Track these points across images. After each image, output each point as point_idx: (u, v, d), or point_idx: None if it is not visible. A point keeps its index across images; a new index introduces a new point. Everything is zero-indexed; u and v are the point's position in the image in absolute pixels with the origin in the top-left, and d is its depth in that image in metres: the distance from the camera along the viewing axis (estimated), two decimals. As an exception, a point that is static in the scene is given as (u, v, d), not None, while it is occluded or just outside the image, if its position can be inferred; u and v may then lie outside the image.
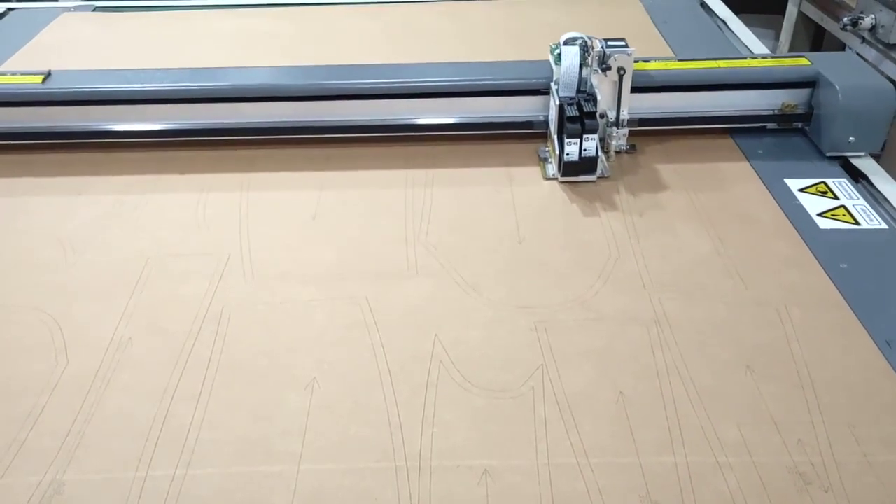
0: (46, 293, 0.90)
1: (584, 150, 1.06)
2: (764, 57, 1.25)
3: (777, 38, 2.41)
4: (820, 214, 1.00)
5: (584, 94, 1.09)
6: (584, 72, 1.09)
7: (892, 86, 1.12)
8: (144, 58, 1.42)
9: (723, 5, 1.64)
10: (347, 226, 1.01)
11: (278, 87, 1.17)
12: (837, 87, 1.10)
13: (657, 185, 1.08)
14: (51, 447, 0.71)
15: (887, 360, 0.79)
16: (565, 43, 1.09)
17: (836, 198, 1.03)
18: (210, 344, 0.83)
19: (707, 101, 1.17)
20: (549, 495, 0.67)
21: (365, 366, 0.80)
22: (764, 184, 1.07)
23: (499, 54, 1.25)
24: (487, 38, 1.51)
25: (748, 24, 1.56)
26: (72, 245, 0.98)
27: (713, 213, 1.02)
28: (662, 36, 1.49)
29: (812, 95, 1.16)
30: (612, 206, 1.04)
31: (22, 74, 1.17)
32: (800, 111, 1.18)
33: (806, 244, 0.96)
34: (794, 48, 2.30)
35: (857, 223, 0.99)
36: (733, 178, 1.09)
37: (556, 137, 1.10)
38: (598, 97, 1.07)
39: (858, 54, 1.78)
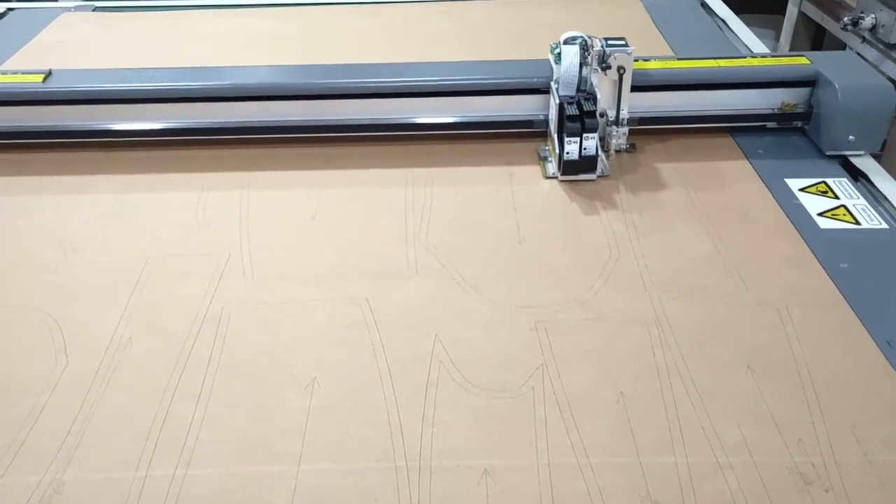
0: (46, 293, 0.90)
1: (584, 148, 1.06)
2: (764, 56, 1.25)
3: (777, 37, 2.41)
4: (820, 214, 1.00)
5: (584, 92, 1.09)
6: (584, 71, 1.09)
7: (891, 85, 1.12)
8: (144, 58, 1.42)
9: (723, 5, 1.64)
10: (347, 226, 1.01)
11: (278, 87, 1.17)
12: (837, 86, 1.10)
13: (657, 184, 1.08)
14: (51, 447, 0.71)
15: (888, 359, 0.79)
16: (565, 42, 1.09)
17: (837, 197, 1.03)
18: (210, 344, 0.82)
19: (707, 100, 1.17)
20: (549, 495, 0.67)
21: (365, 366, 0.80)
22: (764, 183, 1.07)
23: (499, 54, 1.25)
24: (487, 38, 1.51)
25: (748, 23, 1.56)
26: (72, 245, 0.98)
27: (713, 212, 1.02)
28: (663, 36, 1.49)
29: (812, 94, 1.16)
30: (612, 205, 1.04)
31: (23, 74, 1.17)
32: (799, 110, 1.18)
33: (806, 244, 0.95)
34: (795, 48, 2.30)
35: (857, 223, 0.99)
36: (733, 177, 1.09)
37: (556, 136, 1.09)
38: (598, 96, 1.07)
39: (859, 54, 1.78)
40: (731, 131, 1.20)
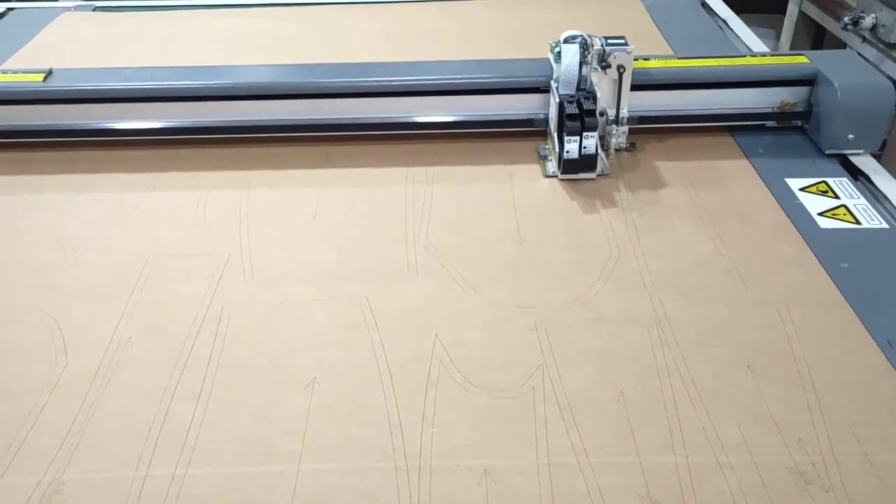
0: (46, 293, 0.90)
1: (584, 147, 1.06)
2: (763, 55, 1.25)
3: (778, 37, 2.41)
4: (821, 214, 1.00)
5: (584, 91, 1.09)
6: (584, 70, 1.09)
7: (891, 84, 1.12)
8: (144, 57, 1.42)
9: (723, 5, 1.64)
10: (347, 225, 1.01)
11: (279, 85, 1.17)
12: (836, 84, 1.10)
13: (657, 183, 1.08)
14: (51, 447, 0.71)
15: (888, 359, 0.79)
16: (565, 41, 1.09)
17: (837, 197, 1.03)
18: (210, 344, 0.82)
19: (706, 98, 1.17)
20: (550, 495, 0.66)
21: (365, 366, 0.79)
22: (764, 182, 1.07)
23: (499, 54, 1.25)
24: (487, 38, 1.51)
25: (749, 23, 1.56)
26: (72, 245, 0.98)
27: (713, 212, 1.02)
28: (663, 35, 1.49)
29: (811, 93, 1.16)
30: (612, 204, 1.04)
31: (23, 73, 1.17)
32: (799, 109, 1.17)
33: (807, 244, 0.95)
34: (795, 48, 2.31)
35: (857, 223, 0.98)
36: (733, 176, 1.09)
37: (556, 135, 1.09)
38: (598, 95, 1.07)
39: (859, 54, 1.78)
40: (731, 130, 1.20)
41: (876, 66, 1.75)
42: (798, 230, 0.98)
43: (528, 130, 1.18)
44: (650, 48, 1.38)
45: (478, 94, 1.17)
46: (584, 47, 1.08)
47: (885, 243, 0.95)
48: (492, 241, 0.98)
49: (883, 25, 1.79)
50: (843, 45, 1.97)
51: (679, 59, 1.20)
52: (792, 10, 2.30)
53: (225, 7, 1.68)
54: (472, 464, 0.69)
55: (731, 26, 1.55)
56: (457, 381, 0.78)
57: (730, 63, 1.18)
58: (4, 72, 1.19)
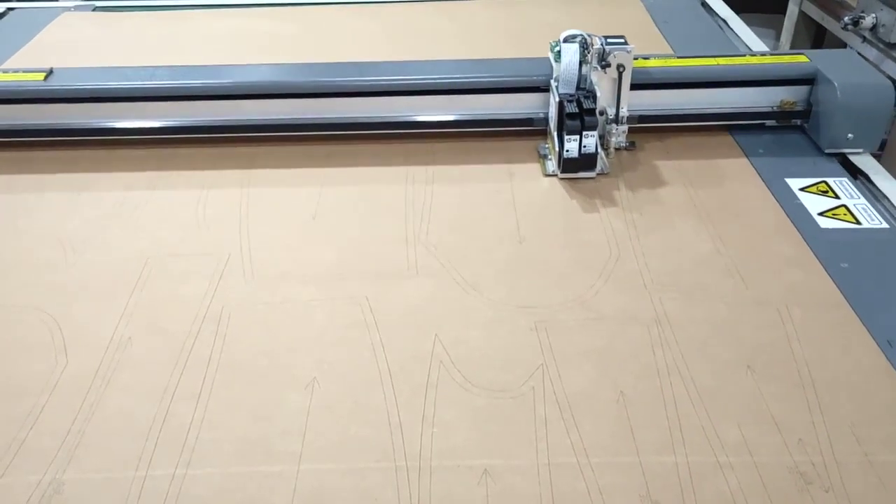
0: (46, 293, 0.90)
1: (584, 146, 1.06)
2: (763, 54, 1.25)
3: (778, 37, 2.41)
4: (821, 214, 1.00)
5: (584, 90, 1.09)
6: (584, 69, 1.09)
7: (890, 83, 1.12)
8: (144, 57, 1.42)
9: (724, 5, 1.64)
10: (347, 225, 1.01)
11: (279, 84, 1.17)
12: (836, 84, 1.10)
13: (657, 182, 1.08)
14: (51, 447, 0.71)
15: (888, 359, 0.79)
16: (565, 40, 1.09)
17: (837, 197, 1.03)
18: (210, 344, 0.82)
19: (706, 98, 1.17)
20: (550, 495, 0.66)
21: (365, 366, 0.79)
22: (764, 182, 1.07)
23: (499, 54, 1.24)
24: (487, 38, 1.51)
25: (749, 23, 1.56)
26: (72, 245, 0.98)
27: (713, 211, 1.02)
28: (663, 35, 1.48)
29: (811, 93, 1.16)
30: (611, 202, 1.04)
31: (24, 72, 1.17)
32: (799, 108, 1.17)
33: (807, 243, 0.95)
34: (795, 48, 2.31)
35: (858, 222, 0.98)
36: (733, 175, 1.09)
37: (555, 134, 1.09)
38: (598, 94, 1.07)
39: (859, 53, 1.78)
40: (731, 129, 1.20)
41: (876, 66, 1.75)
42: (798, 230, 0.98)
43: (527, 129, 1.18)
44: (650, 48, 1.38)
45: (478, 94, 1.17)
46: (584, 46, 1.08)
47: (886, 243, 0.95)
48: (492, 240, 0.98)
49: (883, 25, 1.79)
50: (844, 45, 1.97)
51: (679, 58, 1.20)
52: (792, 10, 2.30)
53: (225, 7, 1.68)
54: (472, 464, 0.69)
55: (732, 26, 1.54)
56: (457, 381, 0.78)
57: (729, 62, 1.18)
58: (5, 71, 1.19)
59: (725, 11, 1.61)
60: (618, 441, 0.71)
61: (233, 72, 1.21)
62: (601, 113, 1.08)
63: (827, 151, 1.12)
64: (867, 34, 1.86)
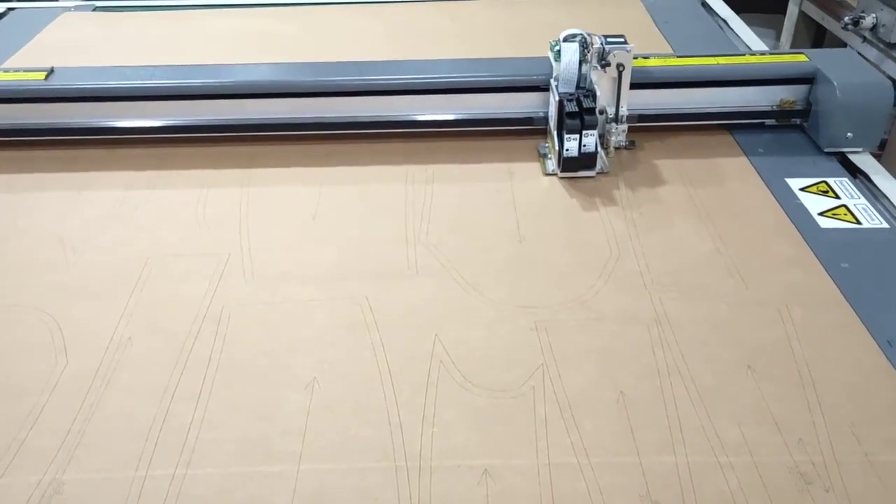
0: (46, 293, 0.90)
1: (584, 145, 1.06)
2: (762, 53, 1.25)
3: (778, 37, 2.41)
4: (821, 214, 1.00)
5: (584, 90, 1.09)
6: (584, 68, 1.09)
7: (889, 83, 1.12)
8: (144, 57, 1.42)
9: (724, 5, 1.64)
10: (347, 225, 1.01)
11: (279, 84, 1.17)
12: (835, 83, 1.10)
13: (656, 181, 1.08)
14: (51, 447, 0.71)
15: (888, 359, 0.79)
16: (565, 39, 1.09)
17: (838, 197, 1.03)
18: (210, 344, 0.82)
19: (706, 97, 1.17)
20: (550, 495, 0.66)
21: (365, 366, 0.79)
22: (764, 181, 1.07)
23: (499, 54, 1.25)
24: (487, 38, 1.51)
25: (749, 23, 1.56)
26: (72, 244, 0.98)
27: (713, 211, 1.02)
28: (663, 35, 1.48)
29: (810, 92, 1.16)
30: (611, 202, 1.04)
31: (25, 71, 1.18)
32: (798, 107, 1.17)
33: (807, 243, 0.95)
34: (795, 48, 2.31)
35: (858, 222, 0.98)
36: (733, 175, 1.09)
37: (555, 133, 1.10)
38: (598, 93, 1.07)
39: (859, 53, 1.78)
40: (730, 128, 1.20)
41: (876, 66, 1.75)
42: (798, 230, 0.98)
43: (527, 129, 1.18)
44: (650, 48, 1.38)
45: (478, 93, 1.17)
46: (584, 46, 1.08)
47: (886, 243, 0.95)
48: (492, 240, 0.97)
49: (883, 25, 1.79)
50: (844, 45, 1.97)
51: (678, 57, 1.20)
52: (792, 10, 2.30)
53: (225, 7, 1.68)
54: (472, 464, 0.69)
55: (732, 26, 1.54)
56: (457, 380, 0.78)
57: (729, 61, 1.18)
58: (6, 70, 1.19)
59: (725, 11, 1.61)
60: (618, 441, 0.71)
61: (233, 71, 1.20)
62: (601, 112, 1.08)
63: (826, 150, 1.12)
64: (867, 34, 1.86)
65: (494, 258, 0.95)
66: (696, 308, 0.86)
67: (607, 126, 1.10)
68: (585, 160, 1.07)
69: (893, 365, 0.78)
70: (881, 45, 1.82)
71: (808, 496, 0.66)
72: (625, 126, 1.11)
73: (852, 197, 1.03)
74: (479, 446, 0.71)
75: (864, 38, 1.88)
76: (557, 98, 1.08)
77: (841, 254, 0.93)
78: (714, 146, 1.16)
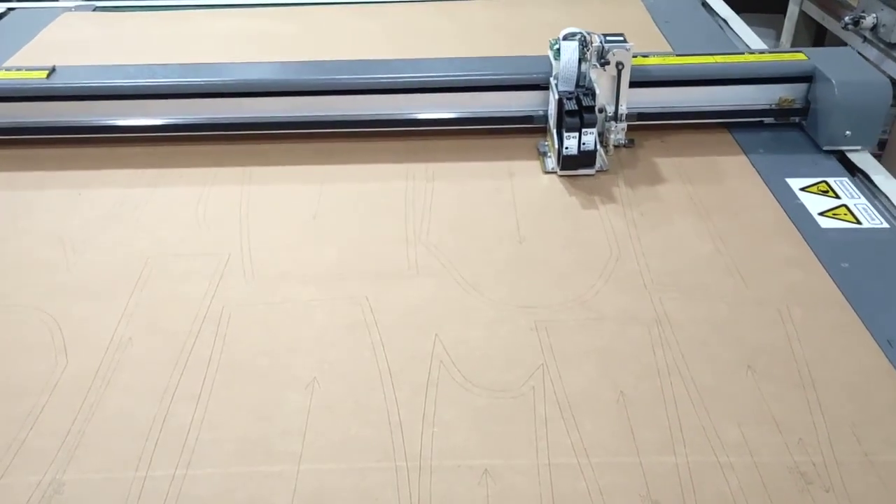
0: (46, 293, 0.90)
1: (583, 144, 1.06)
2: (761, 52, 1.25)
3: (778, 37, 2.41)
4: (821, 213, 1.00)
5: (583, 88, 1.09)
6: (583, 66, 1.09)
7: (887, 81, 1.12)
8: (145, 57, 1.41)
9: (724, 4, 1.64)
10: (348, 225, 1.01)
11: (279, 83, 1.17)
12: (834, 81, 1.10)
13: (656, 179, 1.08)
14: (51, 447, 0.71)
15: (889, 359, 0.79)
16: (564, 38, 1.09)
17: (838, 197, 1.03)
18: (210, 344, 0.82)
19: (705, 95, 1.17)
20: (550, 495, 0.66)
21: (365, 366, 0.79)
22: (763, 180, 1.07)
23: (499, 54, 1.25)
24: (487, 38, 1.50)
25: (749, 23, 1.56)
26: (72, 244, 0.98)
27: (712, 210, 1.02)
28: (663, 35, 1.48)
29: (809, 90, 1.16)
30: (611, 200, 1.04)
31: (27, 70, 1.18)
32: (797, 106, 1.18)
33: (807, 243, 0.95)
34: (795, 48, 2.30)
35: (858, 222, 0.98)
36: (732, 173, 1.09)
37: (555, 132, 1.10)
38: (597, 92, 1.07)
39: (859, 53, 1.78)
40: (729, 127, 1.20)
41: (877, 66, 1.75)
42: (798, 229, 0.98)
43: (527, 127, 1.18)
44: (650, 47, 1.37)
45: (477, 91, 1.17)
46: (584, 44, 1.08)
47: (886, 243, 0.95)
48: (492, 240, 0.97)
49: (884, 25, 1.79)
50: (844, 45, 1.97)
51: (677, 55, 1.20)
52: (792, 10, 2.30)
53: (225, 7, 1.68)
54: (472, 464, 0.69)
55: (732, 26, 1.54)
56: (457, 380, 0.78)
57: (728, 60, 1.18)
58: (8, 69, 1.19)
59: (726, 11, 1.61)
60: (618, 441, 0.71)
61: (233, 70, 1.20)
62: (600, 110, 1.08)
63: (825, 149, 1.12)
64: (867, 34, 1.86)
65: (494, 258, 0.94)
66: (696, 308, 0.86)
67: (606, 124, 1.10)
68: (585, 158, 1.07)
69: (893, 365, 0.78)
70: (881, 45, 1.82)
71: (808, 496, 0.66)
72: (624, 124, 1.11)
73: (852, 197, 1.03)
74: (479, 446, 0.71)
75: (865, 38, 1.88)
76: (557, 96, 1.08)
77: (841, 254, 0.93)
78: (713, 144, 1.16)
